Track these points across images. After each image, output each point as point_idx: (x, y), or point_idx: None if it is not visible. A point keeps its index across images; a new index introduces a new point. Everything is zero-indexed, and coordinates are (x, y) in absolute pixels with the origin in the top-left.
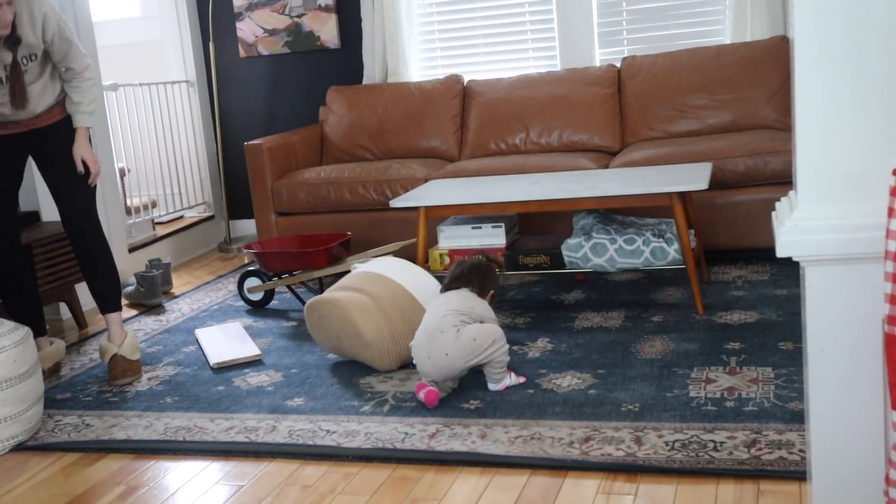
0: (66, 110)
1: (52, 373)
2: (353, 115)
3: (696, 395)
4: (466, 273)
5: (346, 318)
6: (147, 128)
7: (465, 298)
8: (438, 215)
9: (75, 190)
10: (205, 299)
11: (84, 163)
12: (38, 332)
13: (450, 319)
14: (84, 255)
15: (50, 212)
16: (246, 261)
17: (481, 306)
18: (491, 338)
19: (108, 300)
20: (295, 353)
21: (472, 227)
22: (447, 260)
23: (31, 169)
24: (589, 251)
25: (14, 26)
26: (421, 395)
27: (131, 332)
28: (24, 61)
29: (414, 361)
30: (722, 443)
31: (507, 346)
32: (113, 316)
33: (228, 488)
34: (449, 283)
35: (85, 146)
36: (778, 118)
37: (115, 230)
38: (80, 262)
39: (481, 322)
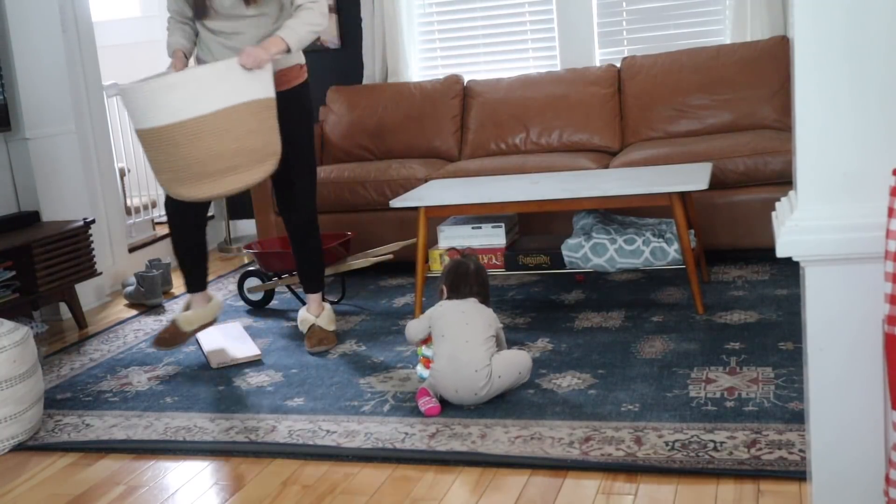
0: (303, 75)
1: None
2: (353, 115)
3: (696, 395)
4: (471, 280)
5: None
6: None
7: (480, 313)
8: (438, 215)
9: (304, 171)
10: None
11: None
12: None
13: (482, 353)
14: (301, 247)
15: (50, 212)
16: (246, 261)
17: (492, 316)
18: (523, 370)
19: (312, 283)
20: (295, 353)
21: (472, 227)
22: (447, 260)
23: (31, 165)
24: (589, 251)
25: None
26: (422, 408)
27: (329, 306)
28: None
29: (430, 380)
30: (722, 443)
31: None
32: (313, 295)
33: (228, 488)
34: (455, 289)
35: (261, 47)
36: (778, 118)
37: (116, 230)
38: (296, 249)
39: (500, 338)
